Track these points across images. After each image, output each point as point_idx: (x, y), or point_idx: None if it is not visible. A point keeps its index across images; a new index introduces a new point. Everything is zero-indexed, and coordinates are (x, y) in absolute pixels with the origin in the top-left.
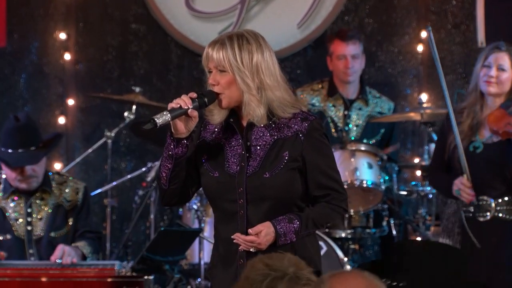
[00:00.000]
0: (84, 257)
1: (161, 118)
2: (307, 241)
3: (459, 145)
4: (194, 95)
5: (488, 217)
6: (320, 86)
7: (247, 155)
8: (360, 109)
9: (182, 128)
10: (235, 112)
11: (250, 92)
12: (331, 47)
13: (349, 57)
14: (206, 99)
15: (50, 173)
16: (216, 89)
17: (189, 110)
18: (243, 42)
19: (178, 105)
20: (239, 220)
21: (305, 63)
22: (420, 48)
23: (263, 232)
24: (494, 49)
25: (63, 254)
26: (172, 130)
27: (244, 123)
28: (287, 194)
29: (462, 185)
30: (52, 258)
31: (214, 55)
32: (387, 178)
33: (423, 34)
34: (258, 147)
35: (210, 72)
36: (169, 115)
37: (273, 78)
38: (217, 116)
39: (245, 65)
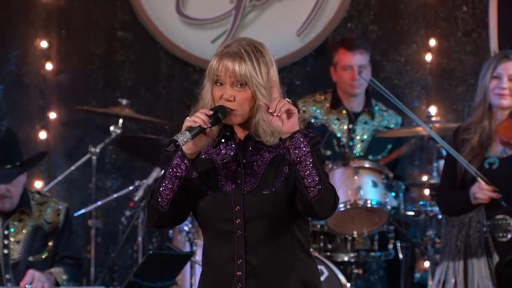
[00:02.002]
0: (57, 284)
1: (181, 138)
2: (306, 264)
3: (471, 170)
4: (210, 112)
5: (509, 237)
6: (322, 97)
7: (244, 171)
8: (365, 123)
9: (195, 147)
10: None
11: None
12: (335, 57)
13: (356, 68)
14: (220, 116)
15: (33, 192)
16: (231, 105)
17: (208, 129)
18: (259, 55)
19: (197, 124)
20: (236, 241)
21: (305, 73)
22: (428, 57)
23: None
24: (502, 59)
25: (33, 280)
26: (184, 150)
27: (240, 137)
28: (288, 210)
29: (478, 188)
30: (21, 284)
31: (237, 68)
32: (393, 196)
33: (432, 42)
34: (255, 164)
35: (218, 84)
36: (189, 134)
37: (279, 94)
38: (214, 130)
39: (264, 81)
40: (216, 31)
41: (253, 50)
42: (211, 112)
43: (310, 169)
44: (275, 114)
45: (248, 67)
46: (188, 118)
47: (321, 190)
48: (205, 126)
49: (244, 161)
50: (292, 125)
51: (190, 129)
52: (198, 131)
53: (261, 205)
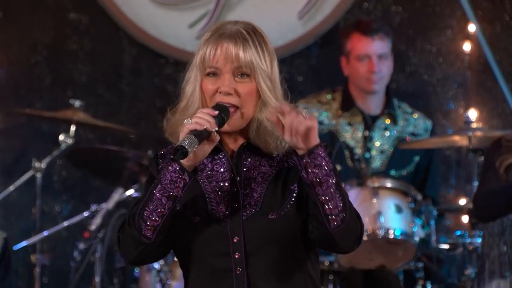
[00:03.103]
0: None
1: (190, 144)
2: None
3: None
4: (214, 112)
5: None
6: (330, 97)
7: (241, 191)
8: (385, 129)
9: (195, 158)
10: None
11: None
12: (348, 44)
13: (375, 58)
14: (224, 117)
15: None
16: (233, 100)
17: (214, 134)
18: (261, 39)
19: (203, 127)
20: (236, 281)
21: (309, 66)
22: (467, 46)
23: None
24: None
25: None
26: (183, 162)
27: (232, 148)
28: (300, 240)
29: None
30: None
31: (241, 53)
32: (422, 225)
33: (471, 27)
34: (254, 181)
35: (212, 75)
36: (196, 140)
37: (280, 95)
38: (218, 137)
39: (269, 71)
40: (194, 12)
41: (255, 33)
42: (216, 112)
43: (333, 192)
44: (289, 137)
45: (251, 52)
46: (187, 120)
47: (345, 218)
48: (212, 130)
49: (238, 178)
50: (311, 139)
51: (195, 133)
52: (204, 136)
53: (267, 233)
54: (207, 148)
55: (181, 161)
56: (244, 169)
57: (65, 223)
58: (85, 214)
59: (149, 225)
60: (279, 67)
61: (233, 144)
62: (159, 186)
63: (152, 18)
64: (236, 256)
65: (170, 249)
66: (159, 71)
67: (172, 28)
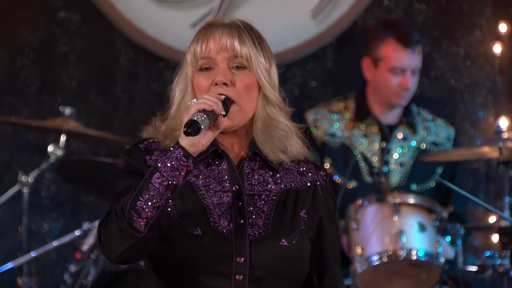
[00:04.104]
0: None
1: (202, 121)
2: None
3: None
4: (221, 96)
5: None
6: (342, 105)
7: (248, 208)
8: (405, 138)
9: (199, 144)
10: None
11: (273, 107)
12: (380, 50)
13: (409, 73)
14: (228, 104)
15: None
16: (229, 92)
17: (221, 118)
18: (258, 35)
19: (212, 108)
20: None
21: (324, 70)
22: (497, 48)
23: None
24: None
25: None
26: (186, 146)
27: (233, 155)
28: (304, 272)
29: None
30: None
31: (236, 43)
32: (448, 245)
33: (502, 27)
34: (259, 198)
35: (205, 70)
36: (206, 118)
37: (277, 100)
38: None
39: (269, 68)
40: (197, 11)
41: (251, 28)
42: (223, 97)
43: None
44: None
45: (250, 42)
46: (193, 100)
47: None
48: (220, 113)
49: (241, 189)
50: None
51: (205, 113)
52: (212, 118)
53: (278, 262)
54: (211, 135)
55: (185, 146)
56: (247, 183)
57: (55, 243)
58: (77, 233)
59: (143, 217)
60: (289, 70)
61: (234, 151)
62: (157, 173)
63: (150, 16)
64: (237, 278)
65: (155, 248)
66: (158, 76)
67: (173, 28)
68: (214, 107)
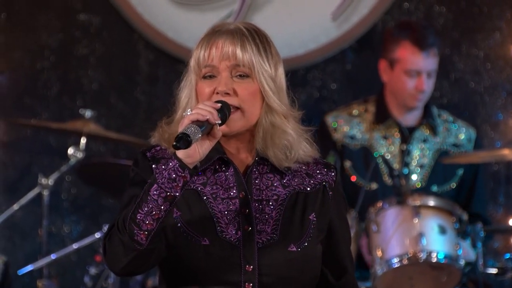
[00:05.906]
0: None
1: (191, 133)
2: None
3: None
4: (217, 105)
5: None
6: (362, 108)
7: (255, 214)
8: (425, 140)
9: (196, 154)
10: (219, 143)
11: (277, 115)
12: (396, 52)
13: (424, 75)
14: (227, 113)
15: None
16: (231, 100)
17: (216, 127)
18: (264, 40)
19: (205, 118)
20: None
21: (344, 73)
22: None
23: None
24: None
25: None
26: (182, 157)
27: (239, 162)
28: (316, 275)
29: None
30: None
31: (238, 51)
32: (468, 247)
33: None
34: (266, 204)
35: (208, 77)
36: (199, 130)
37: (285, 99)
38: (220, 132)
39: (273, 74)
40: (217, 13)
41: (256, 32)
42: (219, 105)
43: None
44: None
45: (253, 49)
46: (187, 111)
47: None
48: (215, 122)
49: (248, 195)
50: None
51: (197, 123)
52: (207, 128)
53: (287, 268)
54: (208, 144)
55: (181, 157)
56: (255, 189)
57: (75, 246)
58: (97, 235)
59: (144, 230)
60: (308, 72)
61: (240, 157)
62: (155, 185)
63: (170, 19)
64: (247, 287)
65: (161, 258)
66: (178, 78)
67: (192, 31)
68: (208, 117)
